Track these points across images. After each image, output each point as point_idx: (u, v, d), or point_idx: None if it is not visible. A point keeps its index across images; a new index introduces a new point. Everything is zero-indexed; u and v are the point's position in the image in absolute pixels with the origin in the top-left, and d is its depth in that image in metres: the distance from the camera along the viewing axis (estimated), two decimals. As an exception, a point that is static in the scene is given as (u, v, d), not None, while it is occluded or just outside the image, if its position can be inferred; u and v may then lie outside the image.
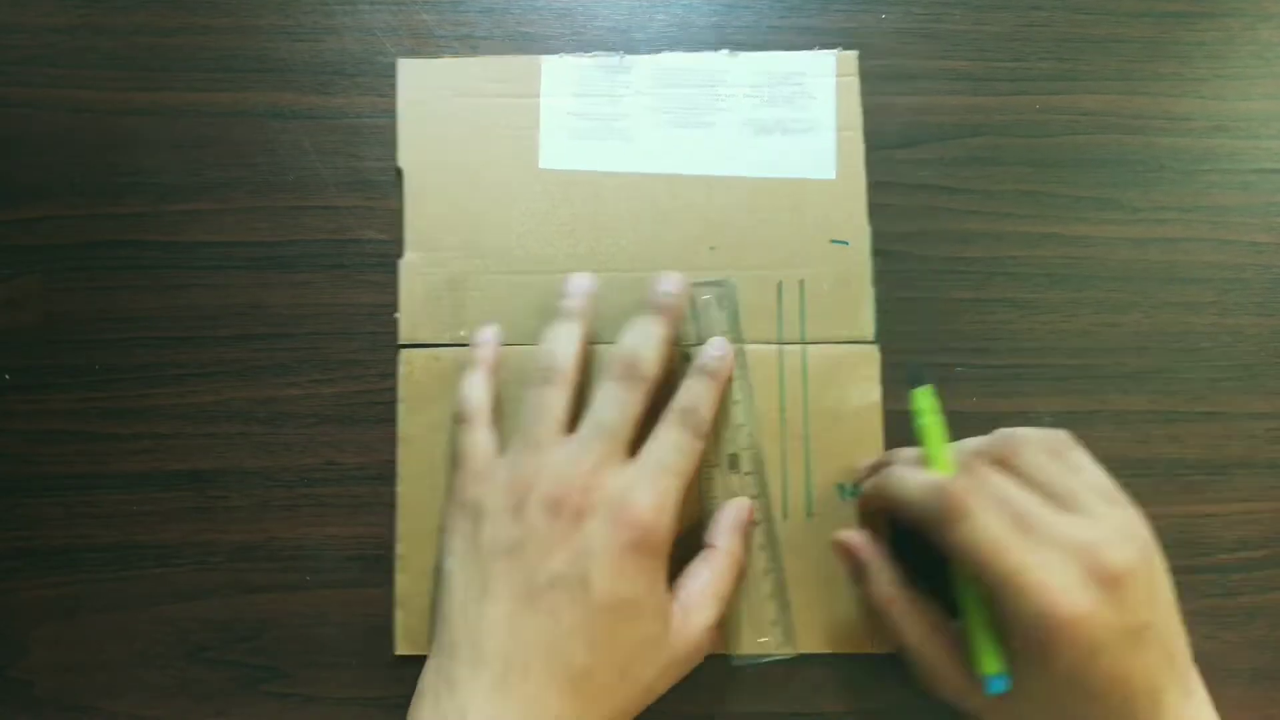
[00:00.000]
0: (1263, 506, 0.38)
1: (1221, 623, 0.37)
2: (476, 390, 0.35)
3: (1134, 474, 0.38)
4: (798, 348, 0.38)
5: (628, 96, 0.39)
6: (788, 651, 0.36)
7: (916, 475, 0.33)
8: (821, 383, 0.38)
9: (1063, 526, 0.30)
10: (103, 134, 0.40)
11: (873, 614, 0.35)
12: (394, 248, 0.39)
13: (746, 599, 0.36)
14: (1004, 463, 0.32)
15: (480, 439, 0.34)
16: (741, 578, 0.35)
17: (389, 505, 0.38)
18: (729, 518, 0.36)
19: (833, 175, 0.39)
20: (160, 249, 0.39)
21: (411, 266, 0.38)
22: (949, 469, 0.33)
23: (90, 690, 0.37)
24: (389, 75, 0.40)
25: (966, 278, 0.39)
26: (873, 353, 0.38)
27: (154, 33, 0.40)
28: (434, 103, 0.39)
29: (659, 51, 0.40)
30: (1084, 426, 0.38)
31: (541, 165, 0.39)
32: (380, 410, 0.38)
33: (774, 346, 0.38)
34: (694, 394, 0.34)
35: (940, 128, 0.40)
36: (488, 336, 0.37)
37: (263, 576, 0.38)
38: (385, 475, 0.38)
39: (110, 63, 0.40)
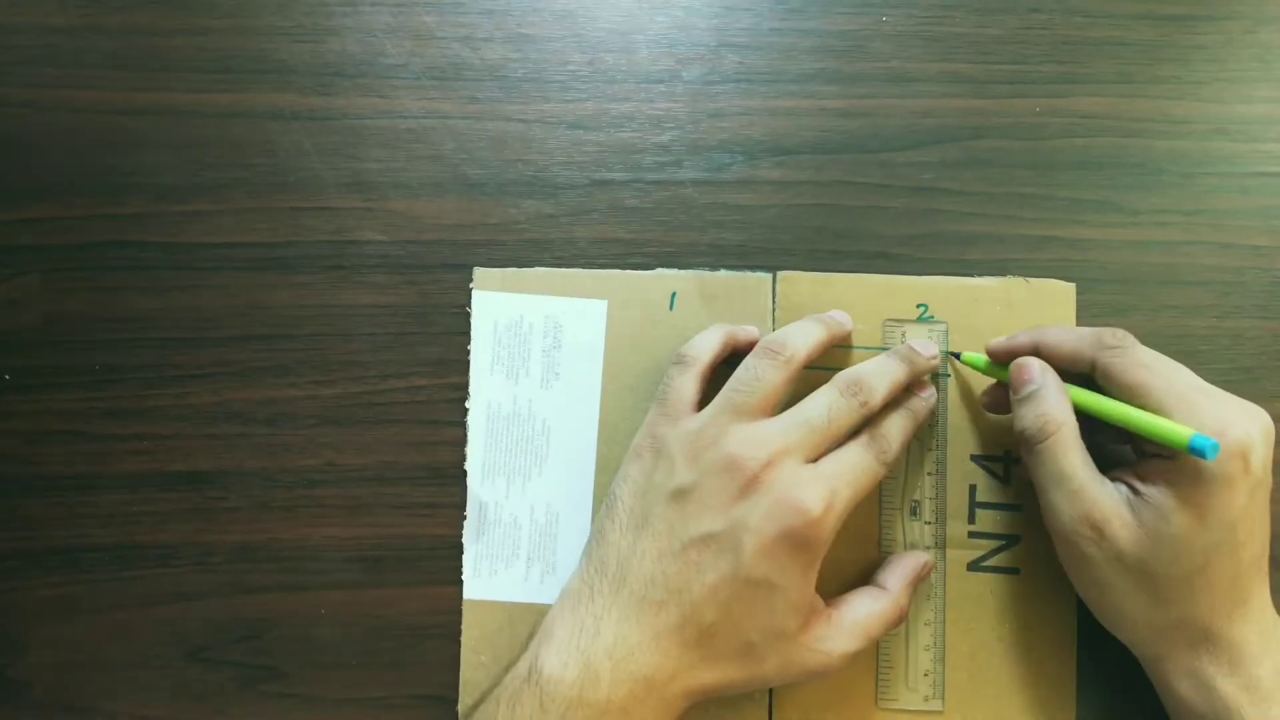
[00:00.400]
0: (1261, 510, 0.38)
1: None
2: (709, 340, 0.36)
3: (1133, 477, 0.38)
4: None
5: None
6: (935, 708, 0.36)
7: (1070, 331, 0.34)
8: None
9: (1204, 384, 0.32)
10: (103, 134, 0.40)
11: (1031, 445, 0.33)
12: (394, 248, 0.39)
13: (904, 645, 0.37)
14: None
15: (687, 384, 0.35)
16: (896, 627, 0.35)
17: (388, 506, 0.38)
18: (906, 566, 0.36)
19: None
20: (160, 249, 0.39)
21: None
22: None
23: (90, 690, 0.37)
24: (389, 76, 0.40)
25: (966, 280, 0.39)
26: None
27: (154, 33, 0.40)
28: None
29: (660, 57, 0.40)
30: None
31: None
32: (380, 411, 0.38)
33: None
34: (891, 424, 0.34)
35: (941, 130, 0.40)
36: (751, 329, 0.37)
37: (262, 577, 0.38)
38: (384, 476, 0.38)
39: (110, 63, 0.40)
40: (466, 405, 0.38)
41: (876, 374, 0.34)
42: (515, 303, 0.39)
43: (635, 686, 0.31)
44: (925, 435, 0.38)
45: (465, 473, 0.38)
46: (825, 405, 0.33)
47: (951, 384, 0.38)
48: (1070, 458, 0.32)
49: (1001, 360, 0.36)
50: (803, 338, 0.34)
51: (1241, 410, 0.31)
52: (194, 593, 0.37)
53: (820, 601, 0.33)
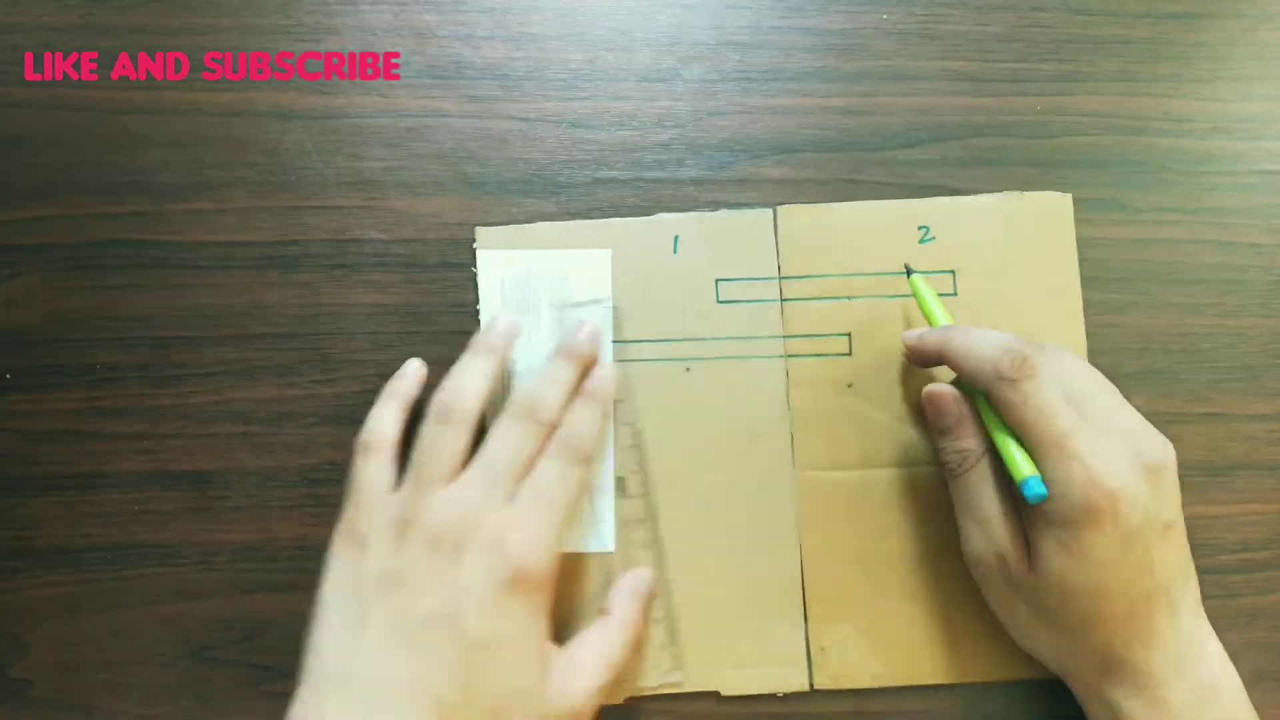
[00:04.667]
0: (1264, 508, 0.38)
1: (1223, 624, 0.37)
2: (384, 421, 0.35)
3: (1135, 475, 0.38)
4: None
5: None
6: (677, 679, 0.36)
7: (989, 334, 0.33)
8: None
9: (1109, 412, 0.32)
10: (103, 134, 0.39)
11: (950, 474, 0.35)
12: (395, 246, 0.39)
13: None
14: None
15: (375, 472, 0.33)
16: (634, 647, 0.35)
17: (390, 505, 0.38)
18: (627, 585, 0.35)
19: None
20: (160, 249, 0.39)
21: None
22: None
23: (91, 690, 0.37)
24: (389, 76, 0.40)
25: (968, 278, 0.39)
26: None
27: (154, 32, 0.40)
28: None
29: (661, 56, 0.40)
30: (1085, 427, 0.38)
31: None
32: (381, 410, 0.38)
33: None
34: (576, 420, 0.34)
35: (942, 128, 0.40)
36: (411, 370, 0.37)
37: (264, 576, 0.38)
38: (386, 475, 0.38)
39: (111, 62, 0.40)
40: None
41: (545, 386, 0.34)
42: (520, 259, 0.38)
43: None
44: (617, 409, 0.37)
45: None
46: (507, 442, 0.33)
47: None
48: (984, 490, 0.33)
49: (915, 360, 0.36)
50: (469, 388, 0.34)
51: (1125, 452, 0.31)
52: (196, 592, 0.37)
53: (554, 648, 0.33)
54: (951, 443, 0.34)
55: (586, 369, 0.36)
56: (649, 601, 0.36)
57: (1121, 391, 0.38)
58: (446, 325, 0.39)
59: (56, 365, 0.38)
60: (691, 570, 0.37)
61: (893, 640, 0.37)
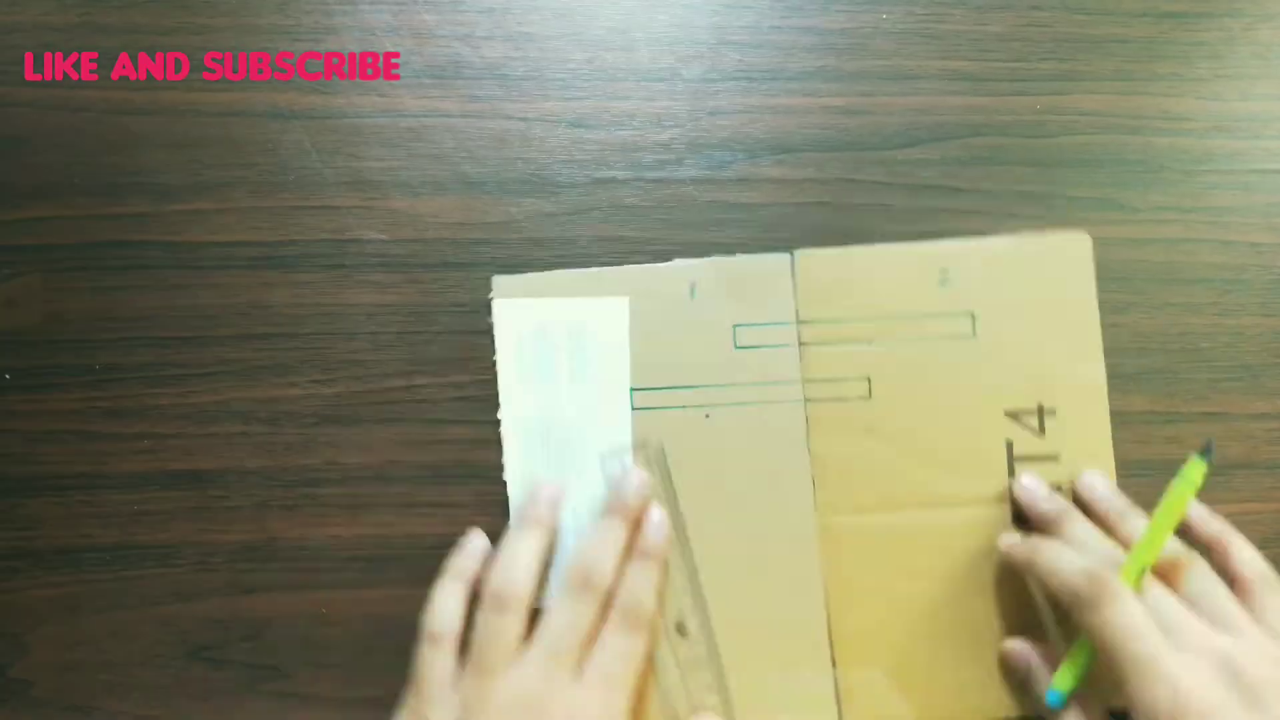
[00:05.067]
0: (1263, 507, 0.38)
1: (1221, 623, 0.37)
2: (448, 608, 0.34)
3: (1134, 474, 0.38)
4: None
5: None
6: None
7: (1073, 555, 0.33)
8: None
9: (1205, 634, 0.30)
10: (103, 134, 0.40)
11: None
12: (394, 247, 0.39)
13: None
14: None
15: (440, 662, 0.33)
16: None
17: (389, 505, 0.38)
18: None
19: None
20: (161, 249, 0.39)
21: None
22: (1152, 557, 0.32)
23: (90, 690, 0.37)
24: (388, 76, 0.40)
25: (967, 278, 0.39)
26: None
27: (154, 32, 0.40)
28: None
29: (660, 55, 0.40)
30: (1084, 427, 0.38)
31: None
32: (381, 411, 0.38)
33: None
34: (633, 586, 0.34)
35: (941, 128, 0.40)
36: (474, 547, 0.36)
37: (263, 576, 0.38)
38: (385, 475, 0.38)
39: (110, 63, 0.40)
40: (499, 416, 0.38)
41: (597, 551, 0.34)
42: (537, 308, 0.38)
43: None
44: (675, 548, 0.37)
45: (504, 482, 0.38)
46: (565, 619, 0.33)
47: None
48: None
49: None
50: (521, 571, 0.34)
51: (1222, 671, 0.29)
52: (195, 592, 0.37)
53: None
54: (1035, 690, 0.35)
55: (638, 522, 0.36)
56: None
57: (1120, 391, 0.39)
58: (446, 325, 0.39)
59: (56, 365, 0.38)
60: (723, 618, 0.37)
61: (923, 682, 0.37)
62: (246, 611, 0.37)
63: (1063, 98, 0.40)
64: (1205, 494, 0.38)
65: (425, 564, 0.38)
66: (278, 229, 0.39)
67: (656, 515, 0.36)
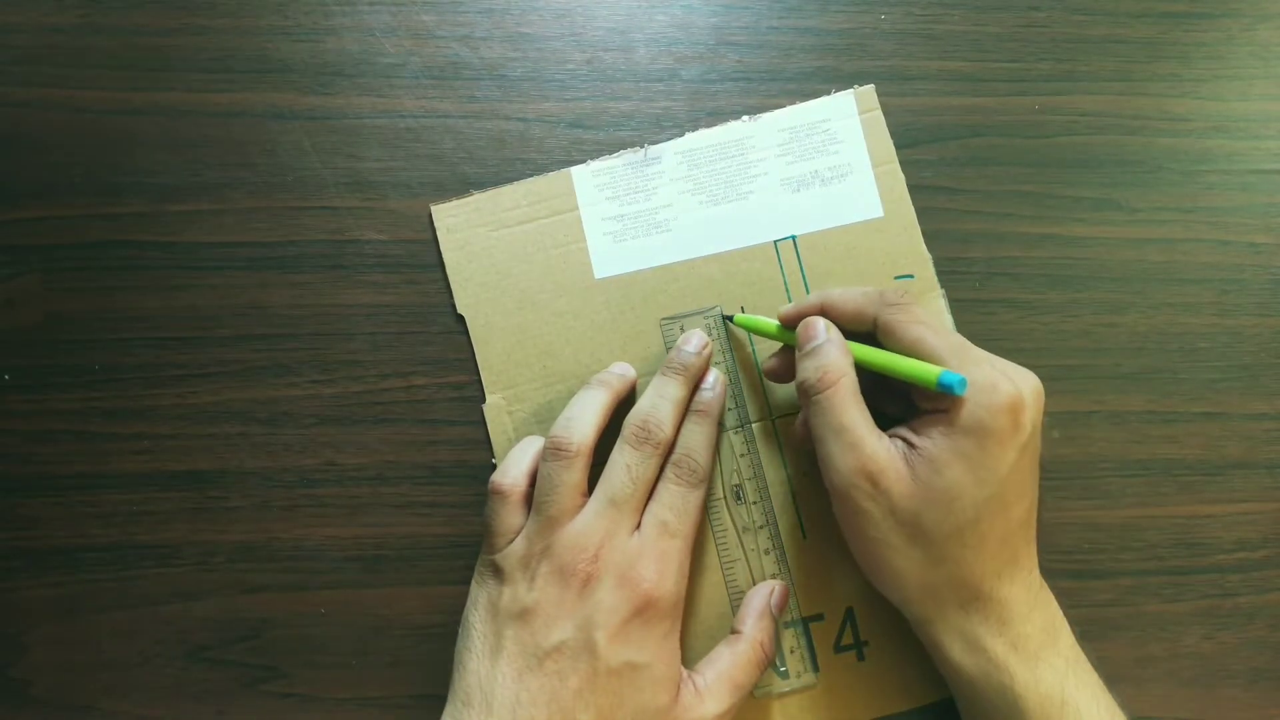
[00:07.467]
0: (1261, 507, 0.38)
1: (1220, 623, 0.37)
2: (517, 466, 0.35)
3: (1132, 474, 0.38)
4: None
5: (661, 187, 0.39)
6: (808, 682, 0.36)
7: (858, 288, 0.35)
8: None
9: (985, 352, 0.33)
10: (103, 134, 0.40)
11: (812, 393, 0.33)
12: (393, 247, 0.39)
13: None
14: None
15: (506, 514, 0.34)
16: (765, 667, 0.35)
17: (388, 505, 0.38)
18: (756, 603, 0.35)
19: (880, 213, 0.39)
20: (160, 249, 0.39)
21: (496, 409, 0.38)
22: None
23: (90, 690, 0.37)
24: (388, 75, 0.40)
25: (966, 278, 0.39)
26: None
27: (154, 33, 0.40)
28: (476, 243, 0.39)
29: (659, 56, 0.40)
30: (1081, 426, 0.38)
31: (597, 276, 0.39)
32: (379, 411, 0.38)
33: None
34: (690, 441, 0.35)
35: (940, 128, 0.40)
36: (621, 367, 0.38)
37: (263, 576, 0.38)
38: (384, 476, 0.38)
39: (110, 63, 0.40)
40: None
41: (657, 405, 0.35)
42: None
43: None
44: (726, 417, 0.37)
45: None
46: (624, 471, 0.34)
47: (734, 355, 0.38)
48: (848, 410, 0.32)
49: (792, 324, 0.36)
50: (583, 424, 0.34)
51: (1012, 369, 0.32)
52: (194, 592, 0.37)
53: (684, 671, 0.33)
54: (813, 361, 0.33)
55: (695, 381, 0.36)
56: (779, 618, 0.36)
57: (1118, 391, 0.39)
58: (445, 325, 0.39)
59: (55, 365, 0.38)
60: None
61: None
62: (246, 611, 0.37)
63: (1061, 98, 0.40)
64: (1204, 493, 0.38)
65: (423, 564, 0.38)
66: (277, 229, 0.39)
67: (713, 376, 0.36)
